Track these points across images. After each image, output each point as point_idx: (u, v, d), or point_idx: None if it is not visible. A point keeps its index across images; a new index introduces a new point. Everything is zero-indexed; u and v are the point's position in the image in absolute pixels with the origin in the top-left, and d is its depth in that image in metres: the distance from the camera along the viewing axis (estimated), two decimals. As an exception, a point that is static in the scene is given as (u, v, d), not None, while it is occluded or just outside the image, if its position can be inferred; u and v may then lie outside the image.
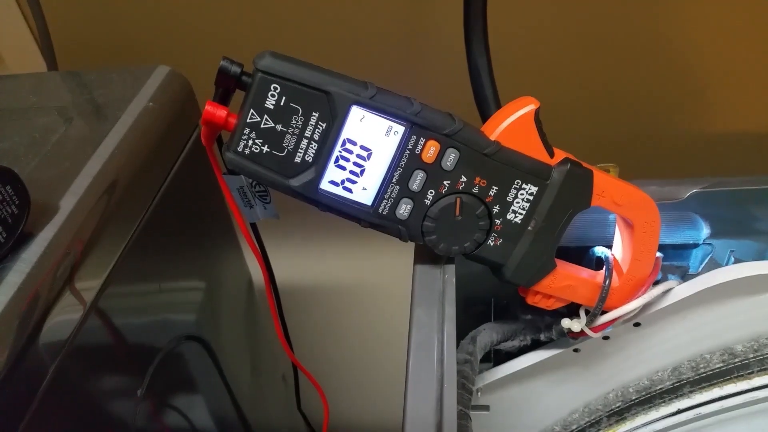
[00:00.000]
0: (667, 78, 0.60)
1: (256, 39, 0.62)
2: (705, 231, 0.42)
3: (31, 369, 0.31)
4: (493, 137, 0.32)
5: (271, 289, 0.41)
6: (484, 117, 0.45)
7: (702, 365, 0.43)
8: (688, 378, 0.43)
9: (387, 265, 0.70)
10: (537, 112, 0.32)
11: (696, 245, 0.44)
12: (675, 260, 0.44)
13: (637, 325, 0.41)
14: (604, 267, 0.37)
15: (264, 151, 0.30)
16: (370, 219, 0.32)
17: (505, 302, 0.48)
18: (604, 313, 0.37)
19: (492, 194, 0.32)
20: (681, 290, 0.39)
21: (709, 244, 0.43)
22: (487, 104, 0.46)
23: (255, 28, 0.62)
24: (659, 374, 0.44)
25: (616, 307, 0.37)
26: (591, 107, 0.62)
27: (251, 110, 0.29)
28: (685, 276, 0.44)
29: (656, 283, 0.38)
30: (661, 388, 0.44)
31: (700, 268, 0.44)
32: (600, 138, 0.62)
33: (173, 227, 0.46)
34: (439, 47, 0.61)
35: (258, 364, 0.63)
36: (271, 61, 0.28)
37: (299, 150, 0.30)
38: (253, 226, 0.38)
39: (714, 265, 0.44)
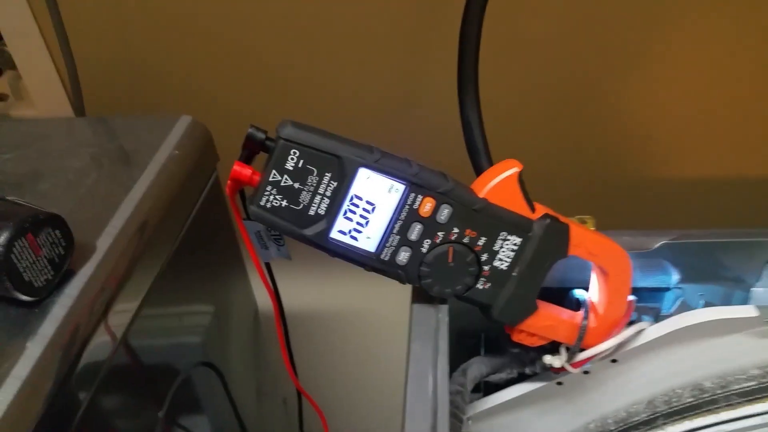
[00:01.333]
0: (639, 136, 0.65)
1: (268, 96, 0.67)
2: (675, 276, 0.46)
3: (72, 392, 0.35)
4: (481, 195, 0.36)
5: (281, 322, 0.45)
6: (476, 166, 0.49)
7: (674, 399, 0.46)
8: (662, 411, 0.46)
9: (386, 294, 0.74)
10: (520, 174, 0.36)
11: (668, 289, 0.48)
12: (649, 302, 0.48)
13: (614, 361, 0.45)
14: (582, 309, 0.41)
15: (283, 205, 0.34)
16: (374, 264, 0.37)
17: (494, 335, 0.52)
18: (582, 350, 0.41)
19: (481, 244, 0.37)
20: (652, 331, 0.43)
21: (680, 288, 0.47)
22: (478, 155, 0.50)
23: (267, 86, 0.67)
24: (635, 407, 0.47)
25: (593, 345, 0.41)
26: (571, 159, 0.67)
27: (273, 171, 0.33)
28: (657, 317, 0.48)
29: (631, 323, 0.42)
30: (637, 420, 0.47)
31: (672, 310, 0.48)
32: (579, 188, 0.66)
33: (192, 264, 0.50)
34: (434, 102, 0.66)
35: (262, 388, 0.67)
36: (291, 130, 0.33)
37: (313, 204, 0.34)
38: (267, 264, 0.42)
39: (685, 307, 0.48)
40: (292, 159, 0.33)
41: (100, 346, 0.37)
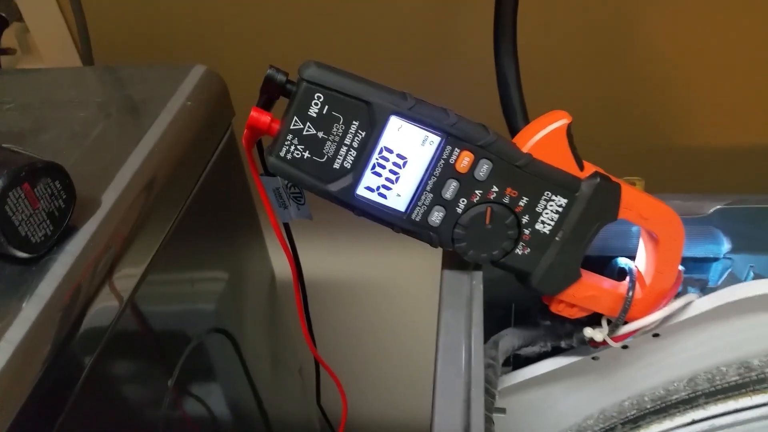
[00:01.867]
0: (689, 93, 0.61)
1: (289, 43, 0.63)
2: (726, 246, 0.43)
3: (72, 358, 0.32)
4: (525, 149, 0.33)
5: (299, 288, 0.42)
6: (511, 127, 0.46)
7: (718, 377, 0.44)
8: (704, 389, 0.44)
9: (411, 264, 0.71)
10: (569, 127, 0.33)
11: (716, 259, 0.44)
12: (695, 273, 0.45)
13: (656, 335, 0.42)
14: (628, 278, 0.38)
15: (305, 157, 0.31)
16: (403, 225, 0.33)
17: (525, 306, 0.49)
18: (625, 323, 0.38)
19: (522, 204, 0.33)
20: (700, 304, 0.39)
21: (729, 258, 0.44)
22: (514, 115, 0.46)
23: (288, 32, 0.63)
24: (675, 384, 0.45)
25: (637, 318, 0.38)
26: (617, 119, 0.62)
27: (295, 117, 0.30)
28: (704, 289, 0.45)
29: (677, 296, 0.39)
30: (676, 398, 0.45)
31: (720, 282, 0.45)
32: (625, 150, 0.62)
33: (205, 224, 0.47)
34: (468, 58, 0.62)
35: (278, 357, 0.65)
36: (315, 71, 0.29)
37: (338, 156, 0.31)
38: (286, 225, 0.39)
39: (733, 279, 0.45)
40: (316, 104, 0.30)
41: (103, 309, 0.34)
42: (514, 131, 0.42)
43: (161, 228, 0.41)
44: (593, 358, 0.43)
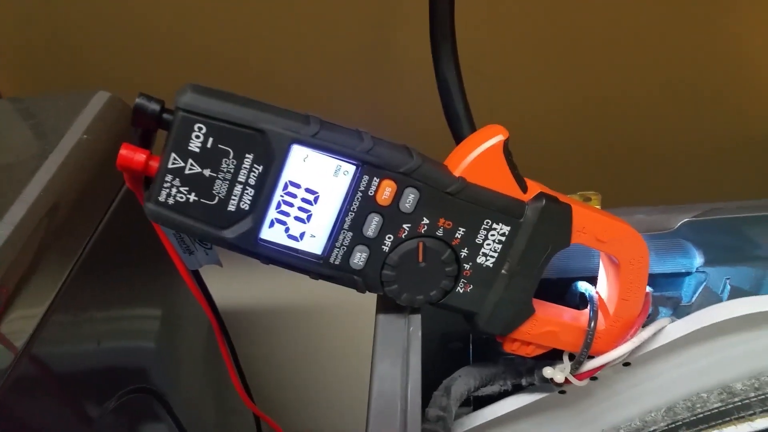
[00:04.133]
0: (650, 82, 0.56)
1: (215, 60, 0.58)
2: (698, 259, 0.39)
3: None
4: (457, 173, 0.28)
5: (223, 339, 0.37)
6: (457, 136, 0.41)
7: (699, 405, 0.39)
8: (684, 419, 0.40)
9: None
10: (506, 143, 0.28)
11: (688, 273, 0.40)
12: (666, 290, 0.40)
13: (627, 364, 0.38)
14: (589, 308, 0.33)
15: (191, 200, 0.26)
16: (321, 270, 0.28)
17: (484, 337, 0.44)
18: (590, 357, 0.34)
19: (459, 237, 0.29)
20: (674, 329, 0.35)
21: (703, 272, 0.40)
22: (459, 123, 0.42)
23: (215, 47, 0.58)
24: (652, 414, 0.41)
25: (603, 352, 0.34)
26: (569, 122, 0.58)
27: (172, 154, 0.25)
28: (677, 307, 0.41)
29: (647, 321, 0.34)
30: (654, 429, 0.41)
31: (694, 299, 0.41)
32: (579, 159, 0.58)
33: (115, 266, 0.42)
34: (405, 63, 0.57)
35: (229, 408, 0.59)
36: (192, 98, 0.24)
37: (233, 197, 0.26)
38: (195, 273, 0.34)
39: (708, 294, 0.41)
40: (198, 137, 0.25)
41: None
42: (460, 141, 0.38)
43: (57, 274, 0.35)
44: (560, 392, 0.39)
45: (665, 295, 0.40)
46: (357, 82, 0.55)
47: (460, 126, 0.42)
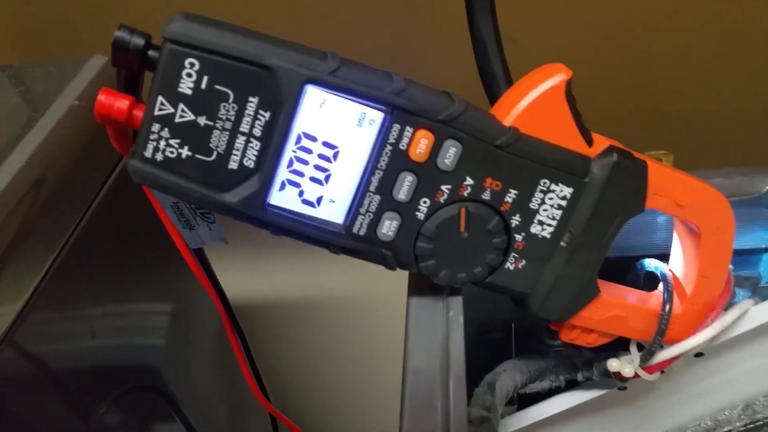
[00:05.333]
0: (724, 36, 0.50)
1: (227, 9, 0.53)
2: (782, 232, 0.33)
3: None
4: (508, 122, 0.23)
5: (233, 330, 0.32)
6: (492, 98, 0.37)
7: (783, 402, 0.34)
8: (765, 418, 0.35)
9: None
10: (569, 85, 0.23)
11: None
12: (743, 269, 0.35)
13: (699, 354, 0.33)
14: (662, 288, 0.28)
15: (184, 156, 0.21)
16: (343, 242, 0.24)
17: (528, 326, 0.40)
18: (662, 347, 0.29)
19: (510, 201, 0.24)
20: (759, 313, 0.31)
21: (786, 248, 0.34)
22: (496, 84, 0.37)
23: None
24: (727, 413, 0.36)
25: (678, 340, 0.29)
26: (628, 80, 0.52)
27: (159, 98, 0.20)
28: (756, 289, 0.35)
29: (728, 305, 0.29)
30: (728, 430, 0.36)
31: (775, 279, 0.35)
32: (641, 118, 0.52)
33: (110, 252, 0.37)
34: (437, 18, 0.52)
35: (241, 407, 0.54)
36: (184, 26, 0.20)
37: (234, 151, 0.21)
38: (198, 252, 0.29)
39: (792, 274, 0.35)
40: (190, 75, 0.20)
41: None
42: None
43: (42, 255, 0.31)
44: (620, 389, 0.34)
45: (741, 274, 0.35)
46: (379, 38, 0.51)
47: (497, 88, 0.38)
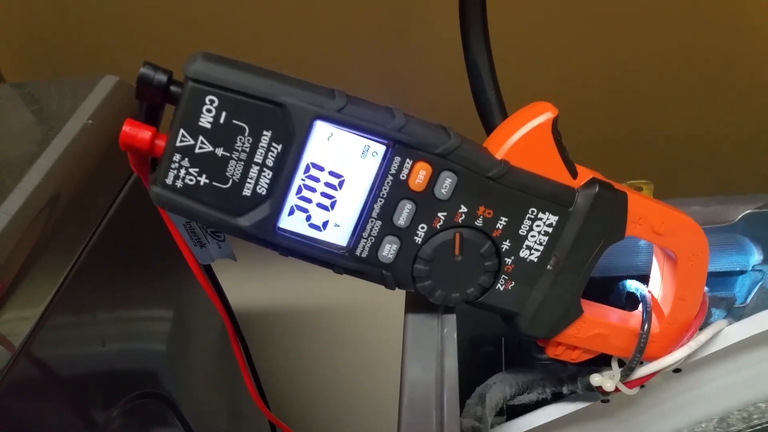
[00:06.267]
0: (704, 72, 0.52)
1: (229, 40, 0.55)
2: (756, 256, 0.35)
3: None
4: (499, 155, 0.25)
5: (237, 340, 0.34)
6: (488, 126, 0.38)
7: (756, 416, 0.36)
8: (739, 430, 0.36)
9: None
10: (555, 122, 0.25)
11: (743, 272, 0.37)
12: (719, 290, 0.37)
13: (677, 370, 0.34)
14: (641, 309, 0.30)
15: (202, 183, 0.23)
16: (346, 264, 0.25)
17: (518, 341, 0.41)
18: (641, 364, 0.30)
19: (500, 227, 0.26)
20: (733, 332, 0.32)
21: (759, 270, 0.36)
22: (490, 110, 0.39)
23: (227, 27, 0.55)
24: (703, 425, 0.38)
25: (656, 357, 0.30)
26: (612, 112, 0.54)
27: (181, 130, 0.22)
28: (731, 309, 0.37)
29: (703, 325, 0.31)
30: None
31: (749, 300, 0.37)
32: (624, 149, 0.54)
33: (122, 262, 0.39)
34: (432, 46, 0.54)
35: (241, 412, 0.56)
36: (204, 66, 0.21)
37: (248, 180, 0.23)
38: (207, 268, 0.31)
39: (765, 294, 0.37)
40: (209, 111, 0.22)
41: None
42: (492, 130, 0.35)
43: (60, 266, 0.33)
44: (603, 401, 0.36)
45: (718, 295, 0.37)
46: (377, 66, 0.52)
47: (491, 114, 0.39)
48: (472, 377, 0.36)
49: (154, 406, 0.40)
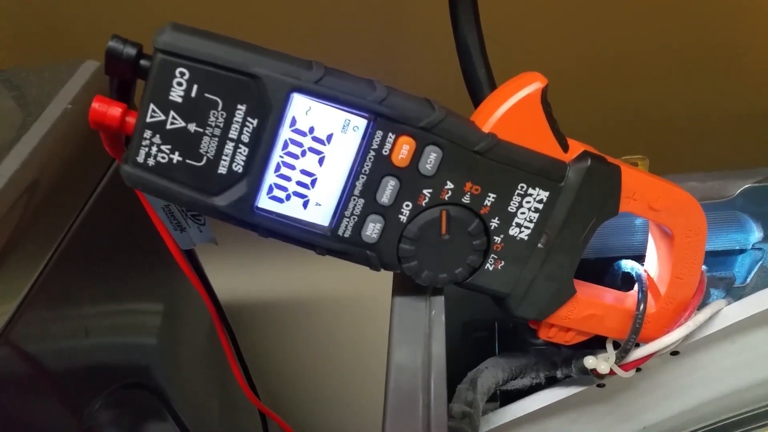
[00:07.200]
0: (699, 39, 0.51)
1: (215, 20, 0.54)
2: (755, 234, 0.34)
3: None
4: (486, 129, 0.24)
5: (223, 328, 0.33)
6: (477, 103, 0.37)
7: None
8: (740, 414, 0.36)
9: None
10: (544, 92, 0.24)
11: (742, 251, 0.36)
12: (717, 270, 0.36)
13: (675, 353, 0.34)
14: (637, 288, 0.29)
15: (175, 161, 0.22)
16: (328, 244, 0.24)
17: (511, 325, 0.40)
18: (637, 345, 0.30)
19: (488, 204, 0.25)
20: (732, 312, 0.31)
21: (759, 248, 0.35)
22: (480, 89, 0.38)
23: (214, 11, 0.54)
24: (702, 409, 0.37)
25: (652, 338, 0.30)
26: (606, 84, 0.53)
27: (151, 105, 0.21)
28: (730, 289, 0.36)
29: (701, 304, 0.30)
30: (704, 426, 0.37)
31: (749, 279, 0.36)
32: (619, 122, 0.53)
33: (103, 253, 0.38)
34: (420, 23, 0.53)
35: (232, 404, 0.55)
36: (174, 37, 0.21)
37: (223, 157, 0.22)
38: (189, 252, 0.30)
39: (765, 274, 0.36)
40: (180, 84, 0.21)
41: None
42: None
43: (37, 256, 0.32)
44: (598, 386, 0.35)
45: (716, 275, 0.36)
46: (364, 43, 0.51)
47: (482, 91, 0.38)
48: (465, 363, 0.36)
49: (143, 397, 0.40)
